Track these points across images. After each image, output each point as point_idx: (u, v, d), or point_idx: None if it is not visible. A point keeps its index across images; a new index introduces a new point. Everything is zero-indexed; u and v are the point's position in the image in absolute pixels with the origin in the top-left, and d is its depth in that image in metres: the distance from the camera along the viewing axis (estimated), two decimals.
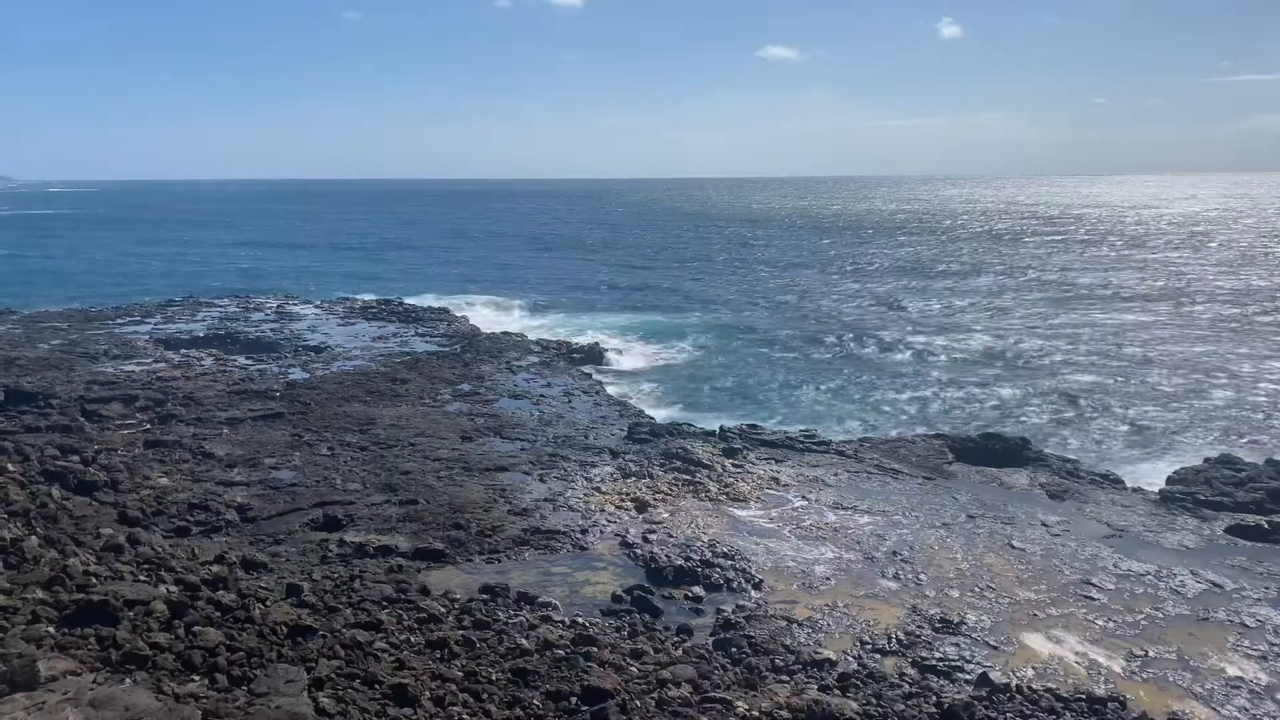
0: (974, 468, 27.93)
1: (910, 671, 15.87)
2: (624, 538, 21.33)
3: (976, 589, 19.07)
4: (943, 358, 48.54)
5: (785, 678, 15.30)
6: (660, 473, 25.98)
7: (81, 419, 29.32)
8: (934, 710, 14.36)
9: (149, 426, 29.59)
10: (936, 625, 17.42)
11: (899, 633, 17.11)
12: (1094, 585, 19.35)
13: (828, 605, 18.21)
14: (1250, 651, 16.70)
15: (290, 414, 31.21)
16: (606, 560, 20.31)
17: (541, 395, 35.34)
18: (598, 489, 24.68)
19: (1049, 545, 21.58)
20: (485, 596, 17.87)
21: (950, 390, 41.96)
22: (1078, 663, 16.28)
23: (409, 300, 60.41)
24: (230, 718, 11.12)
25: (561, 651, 15.19)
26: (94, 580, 15.64)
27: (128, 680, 11.85)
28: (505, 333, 49.61)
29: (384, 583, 18.03)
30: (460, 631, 15.73)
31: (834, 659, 16.06)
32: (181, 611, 14.62)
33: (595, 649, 15.38)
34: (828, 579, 19.41)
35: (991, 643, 16.88)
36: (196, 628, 14.06)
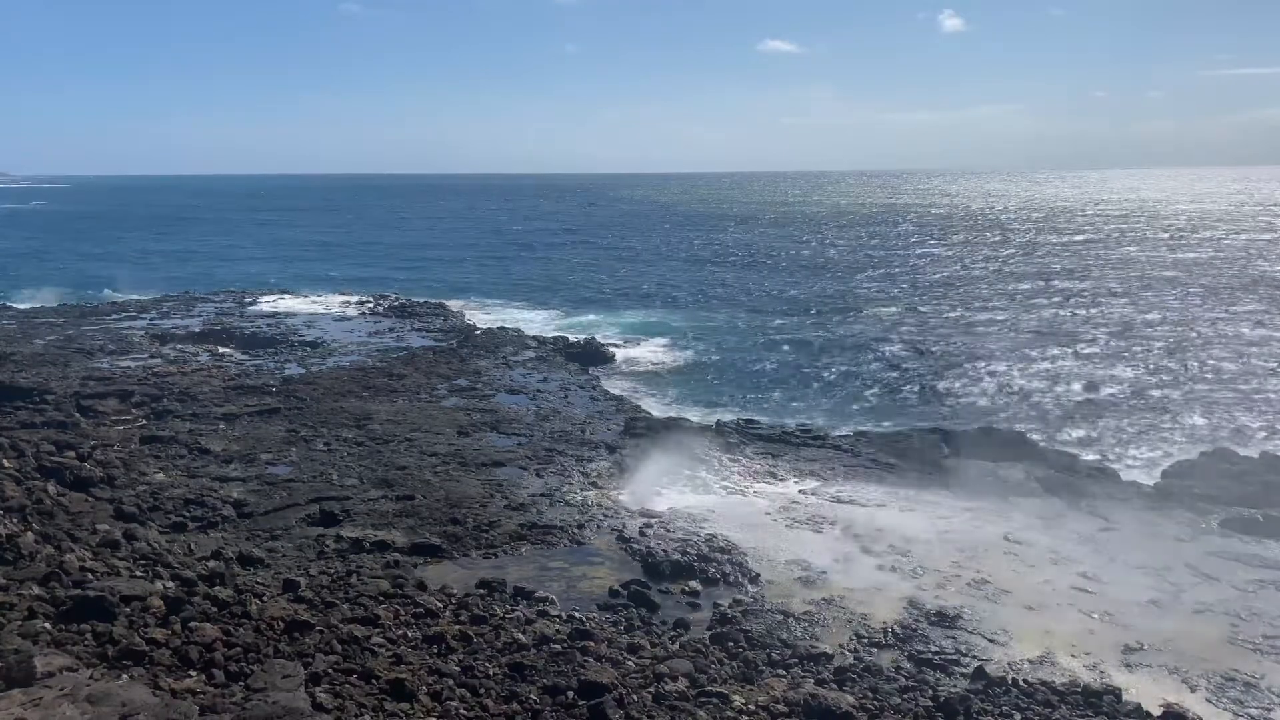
0: (970, 461, 27.96)
1: (906, 665, 15.91)
2: (621, 532, 21.36)
3: (972, 582, 19.11)
4: (940, 353, 48.57)
5: (782, 671, 15.33)
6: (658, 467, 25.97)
7: (77, 414, 29.27)
8: (930, 703, 14.39)
9: (145, 422, 29.56)
10: (932, 619, 17.46)
11: (895, 626, 17.15)
12: (1089, 578, 19.40)
13: (824, 599, 18.25)
14: (1245, 644, 16.76)
15: (286, 409, 31.19)
16: (603, 555, 20.34)
17: (538, 390, 35.34)
18: (595, 484, 24.70)
19: (1044, 538, 21.64)
20: (482, 591, 17.89)
21: (947, 385, 42.00)
22: (1073, 655, 16.33)
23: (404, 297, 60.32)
24: (227, 713, 11.12)
25: (558, 646, 15.21)
26: (90, 576, 15.63)
27: (124, 676, 11.85)
28: (501, 328, 49.58)
29: (381, 578, 18.03)
30: (457, 626, 15.73)
31: (830, 653, 16.09)
32: (178, 607, 14.62)
33: (592, 643, 15.40)
34: (824, 573, 19.44)
35: (987, 636, 16.93)
36: (193, 623, 14.05)
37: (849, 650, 16.34)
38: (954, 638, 16.80)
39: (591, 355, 44.63)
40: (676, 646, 16.07)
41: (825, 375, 44.36)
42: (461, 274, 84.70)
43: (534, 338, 46.52)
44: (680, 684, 14.26)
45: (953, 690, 14.92)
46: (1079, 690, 14.90)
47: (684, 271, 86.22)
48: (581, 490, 24.19)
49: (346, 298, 59.15)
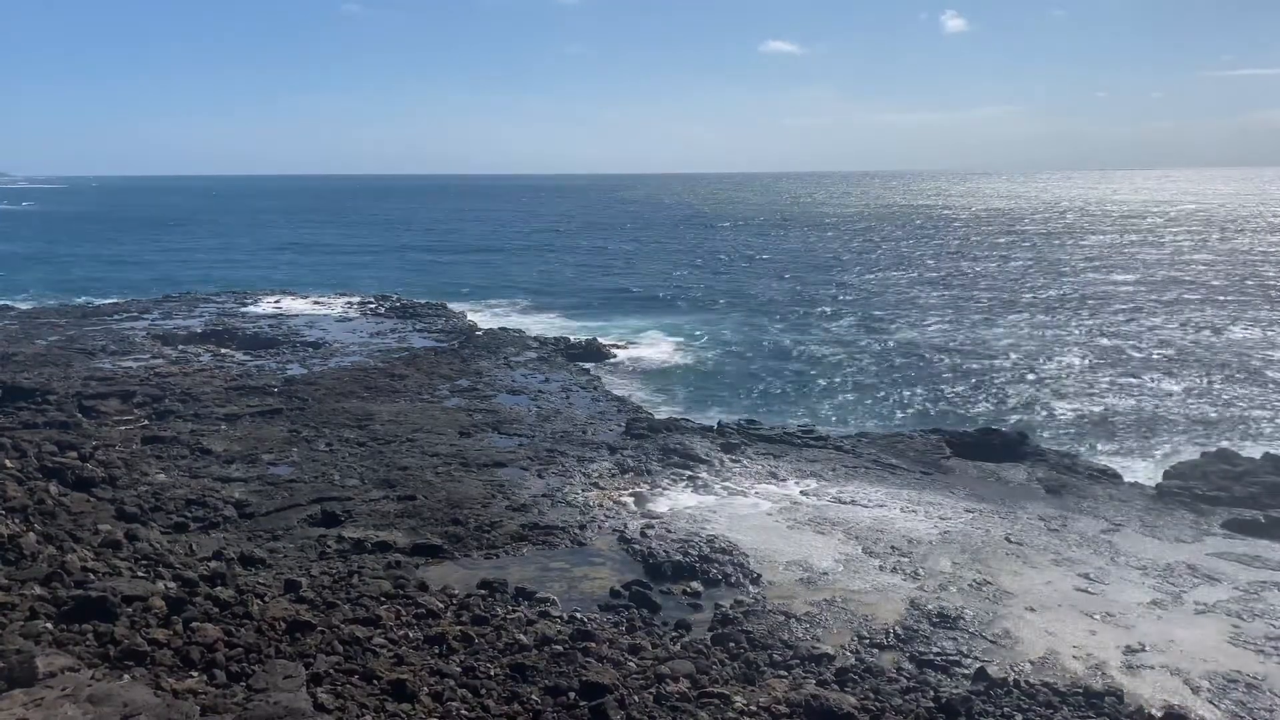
0: (971, 463, 27.97)
1: (908, 666, 15.91)
2: (622, 533, 21.36)
3: (974, 583, 19.10)
4: (942, 354, 48.56)
5: (783, 672, 15.34)
6: (659, 468, 26.00)
7: (79, 415, 29.31)
8: (931, 704, 14.39)
9: (146, 422, 29.59)
10: (934, 620, 17.45)
11: (897, 627, 17.15)
12: (1091, 579, 19.38)
13: (826, 600, 18.24)
14: (1247, 645, 16.73)
15: (288, 410, 31.21)
16: (605, 556, 20.34)
17: (540, 391, 35.36)
18: (596, 484, 24.70)
19: (1046, 540, 21.63)
20: (483, 592, 17.90)
21: (948, 385, 41.99)
22: (1075, 657, 16.31)
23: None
24: (229, 714, 11.13)
25: (560, 647, 15.21)
26: (92, 576, 15.65)
27: (126, 676, 11.86)
28: (503, 328, 49.64)
29: (382, 578, 18.04)
30: (459, 627, 15.74)
31: (832, 654, 16.09)
32: (180, 607, 14.63)
33: (593, 644, 15.40)
34: (826, 574, 19.44)
35: (989, 637, 16.92)
36: (195, 624, 14.07)
37: (850, 651, 16.33)
38: (955, 639, 16.79)
39: (593, 356, 44.66)
40: (678, 647, 16.07)
41: (826, 376, 44.36)
42: (463, 274, 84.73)
43: (535, 338, 46.54)
44: (682, 685, 14.26)
45: (954, 691, 14.91)
46: (1081, 691, 14.90)
47: (686, 272, 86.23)
48: (583, 491, 24.19)
49: (348, 298, 59.16)
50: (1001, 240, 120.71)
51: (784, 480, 25.54)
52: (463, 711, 12.86)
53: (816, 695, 14.04)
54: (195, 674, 12.57)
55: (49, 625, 13.33)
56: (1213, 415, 36.73)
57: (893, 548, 20.83)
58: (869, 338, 53.24)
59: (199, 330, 45.64)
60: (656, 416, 32.80)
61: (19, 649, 11.64)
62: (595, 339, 47.93)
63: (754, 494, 24.40)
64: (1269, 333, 53.27)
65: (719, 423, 31.64)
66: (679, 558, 19.76)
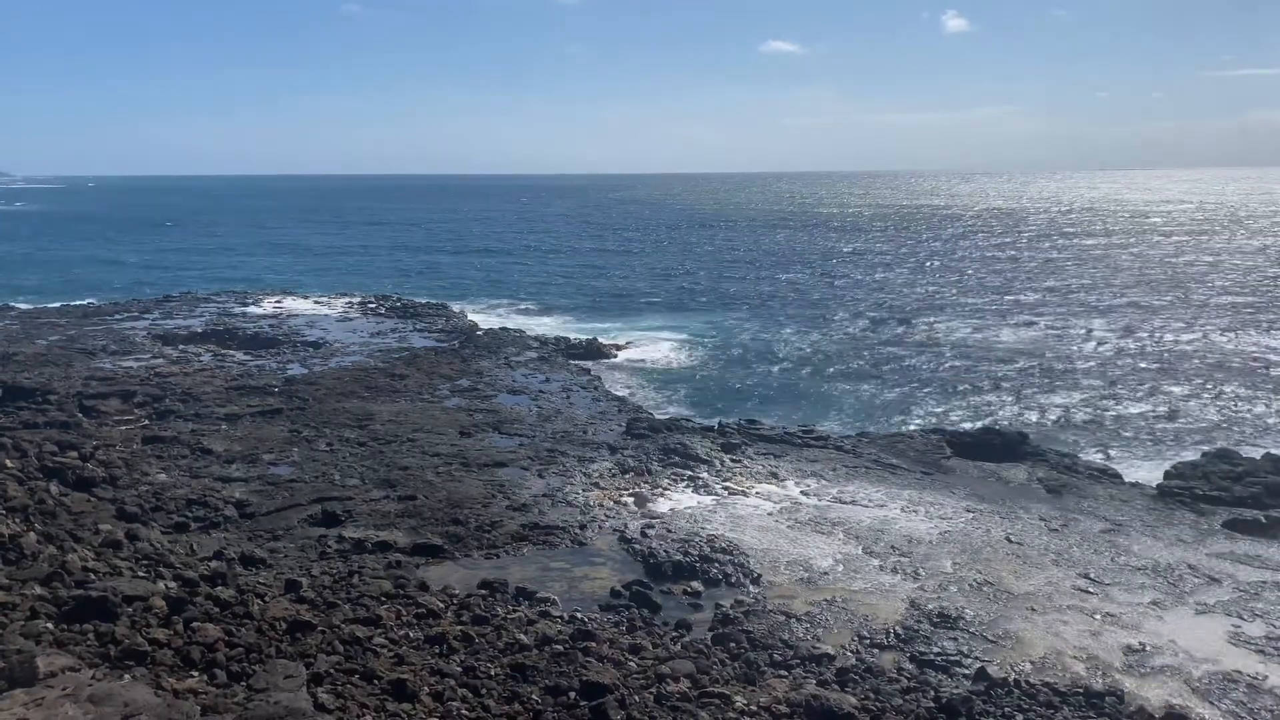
0: (972, 463, 27.96)
1: (908, 666, 15.91)
2: (623, 533, 21.36)
3: (974, 583, 19.10)
4: (942, 354, 48.54)
5: (784, 672, 15.33)
6: (659, 468, 26.00)
7: (80, 415, 29.32)
8: (932, 705, 14.39)
9: (147, 422, 29.61)
10: (935, 620, 17.45)
11: (897, 627, 17.15)
12: (1091, 579, 19.38)
13: (826, 600, 18.24)
14: (1247, 645, 16.73)
15: (289, 410, 31.22)
16: (605, 555, 20.34)
17: (540, 391, 35.37)
18: (596, 484, 24.70)
19: (1047, 539, 21.62)
20: (484, 592, 17.90)
21: (949, 386, 41.97)
22: (1075, 657, 16.30)
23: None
24: (229, 713, 11.13)
25: (560, 646, 15.21)
26: (92, 576, 15.66)
27: (126, 676, 11.86)
28: (504, 328, 49.64)
29: (382, 578, 18.05)
30: (459, 627, 15.75)
31: (832, 654, 16.09)
32: (180, 607, 14.64)
33: (594, 644, 15.40)
34: (826, 574, 19.44)
35: (989, 637, 16.91)
36: (195, 623, 14.08)
37: (851, 651, 16.33)
38: (956, 639, 16.79)
39: (593, 356, 44.65)
40: (678, 647, 16.07)
41: (827, 376, 44.33)
42: (463, 274, 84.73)
43: (536, 338, 46.54)
44: (682, 685, 14.26)
45: (955, 691, 14.91)
46: (1081, 691, 14.90)
47: (686, 272, 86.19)
48: (583, 491, 24.20)
49: (348, 298, 59.19)
50: (1003, 240, 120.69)
51: (784, 480, 25.53)
52: (463, 711, 12.86)
53: (817, 695, 14.05)
54: (196, 674, 12.58)
55: (49, 625, 13.34)
56: (1213, 415, 36.72)
57: (893, 548, 20.83)
58: (869, 337, 53.23)
59: (199, 330, 45.67)
60: (657, 416, 32.80)
61: (20, 649, 11.64)
62: (595, 339, 47.92)
63: (754, 494, 24.39)
64: (1271, 333, 53.26)
65: (719, 422, 31.63)
66: (679, 558, 19.76)
